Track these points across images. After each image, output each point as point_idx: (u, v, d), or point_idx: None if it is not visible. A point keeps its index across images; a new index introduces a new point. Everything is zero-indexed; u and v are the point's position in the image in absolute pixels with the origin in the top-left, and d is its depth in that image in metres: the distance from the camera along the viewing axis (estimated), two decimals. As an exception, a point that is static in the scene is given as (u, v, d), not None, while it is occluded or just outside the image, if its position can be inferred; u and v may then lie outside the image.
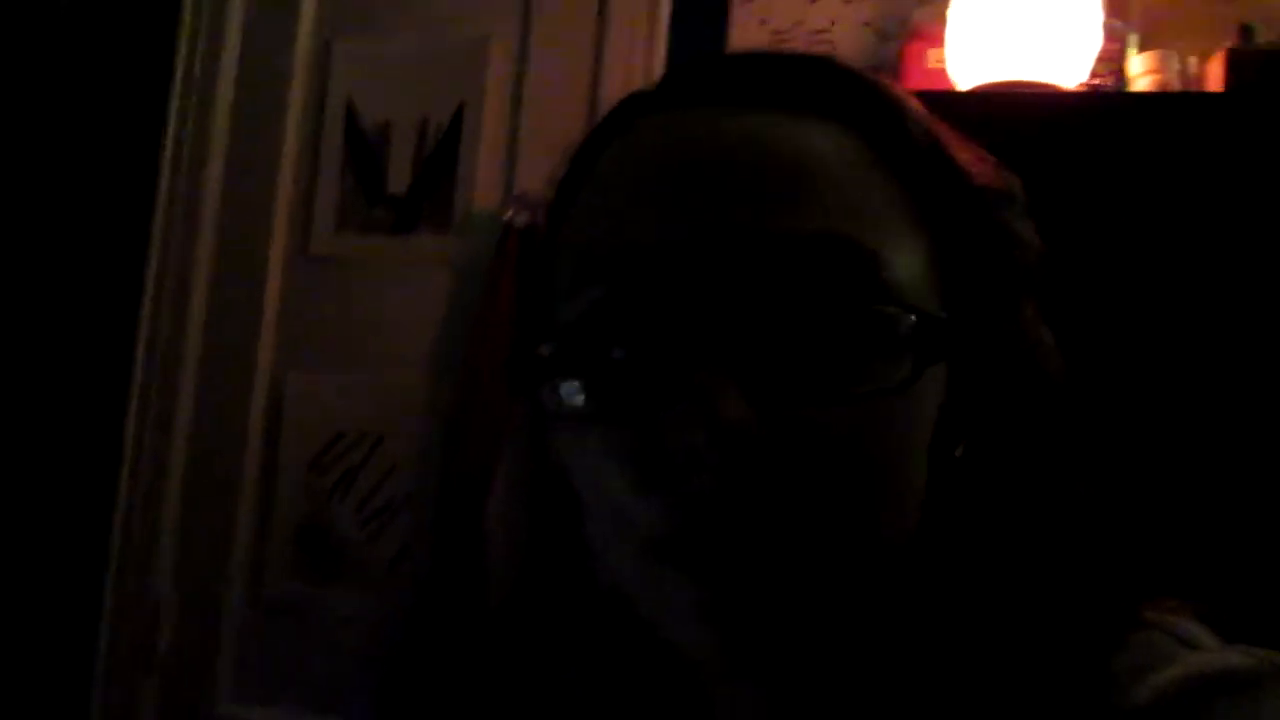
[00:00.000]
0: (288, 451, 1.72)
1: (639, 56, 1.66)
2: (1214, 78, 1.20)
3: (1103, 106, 1.17)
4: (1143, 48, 1.33)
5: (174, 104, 1.80)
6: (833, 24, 1.66)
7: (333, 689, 1.61)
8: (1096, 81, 1.33)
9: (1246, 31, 1.18)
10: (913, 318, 0.40)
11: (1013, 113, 1.13)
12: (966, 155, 0.46)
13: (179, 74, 1.81)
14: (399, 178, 1.75)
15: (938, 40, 1.38)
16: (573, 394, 0.43)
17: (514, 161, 1.68)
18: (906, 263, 0.42)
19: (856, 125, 0.44)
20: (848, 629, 0.42)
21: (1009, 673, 0.41)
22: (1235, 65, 1.15)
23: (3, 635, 1.76)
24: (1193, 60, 1.27)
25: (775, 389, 0.39)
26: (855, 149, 0.43)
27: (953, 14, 1.29)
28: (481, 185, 1.69)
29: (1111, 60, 1.38)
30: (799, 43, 1.66)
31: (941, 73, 1.36)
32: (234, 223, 1.79)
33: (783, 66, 0.45)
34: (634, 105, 0.48)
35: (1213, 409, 1.06)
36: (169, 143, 1.79)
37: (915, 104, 0.46)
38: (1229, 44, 1.19)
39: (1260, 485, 1.04)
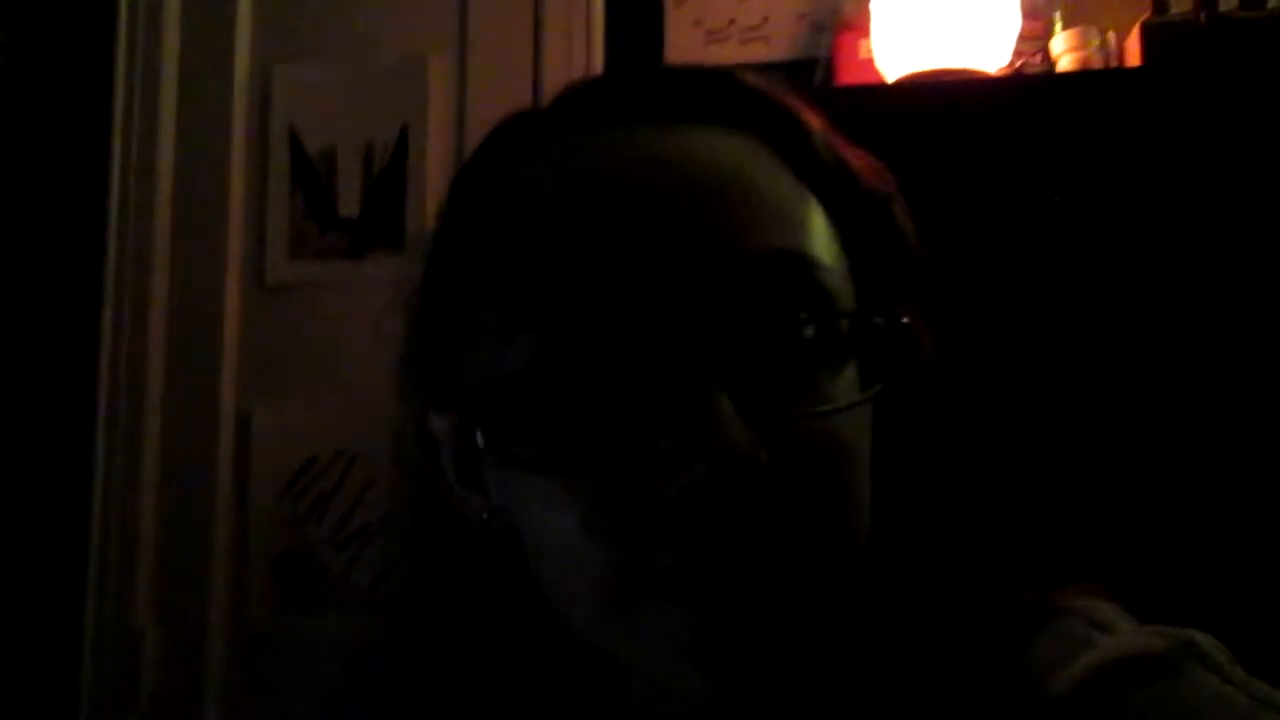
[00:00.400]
0: (259, 481, 1.72)
1: (577, 64, 1.68)
2: (1133, 52, 1.23)
3: (1023, 88, 1.20)
4: (1066, 25, 1.36)
5: (116, 144, 1.79)
6: (765, 19, 1.68)
7: (321, 716, 1.62)
8: (1021, 62, 1.36)
9: (1160, 4, 1.21)
10: (855, 325, 0.41)
11: (938, 101, 1.15)
12: (859, 160, 0.47)
13: (118, 112, 1.79)
14: (349, 202, 1.75)
15: (869, 30, 1.40)
16: (524, 447, 0.40)
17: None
18: (836, 267, 0.43)
19: (765, 134, 0.44)
20: (820, 641, 0.41)
21: (929, 669, 0.42)
22: (1151, 39, 1.18)
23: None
24: (1112, 36, 1.31)
25: (760, 404, 0.38)
26: (771, 161, 0.43)
27: (876, 5, 1.32)
28: (431, 204, 1.70)
29: (1038, 39, 1.41)
30: (733, 41, 1.68)
31: (872, 64, 1.39)
32: (187, 259, 1.78)
33: (689, 81, 0.45)
34: (531, 127, 0.46)
35: (1122, 387, 1.08)
36: (114, 184, 1.78)
37: (814, 114, 0.47)
38: (1145, 16, 1.23)
39: (1171, 465, 1.06)
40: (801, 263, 0.41)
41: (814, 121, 0.47)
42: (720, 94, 0.45)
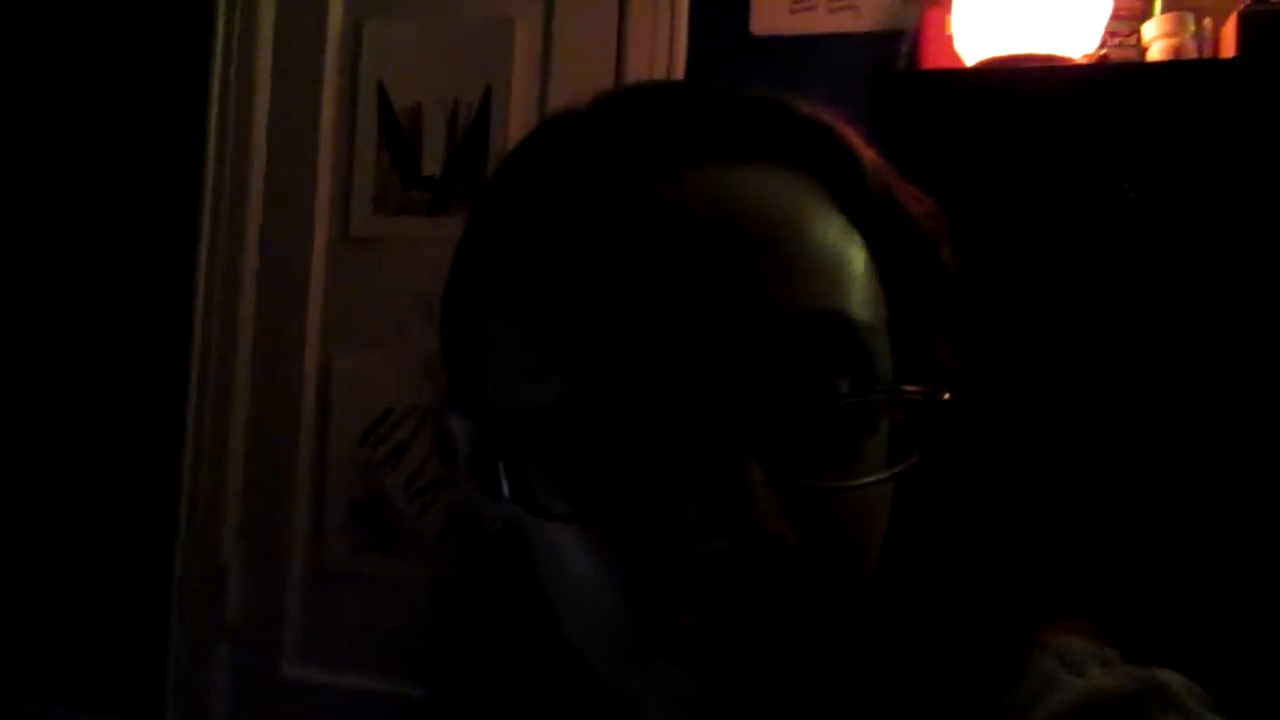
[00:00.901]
0: (339, 428, 1.79)
1: (662, 30, 1.68)
2: (1229, 41, 1.19)
3: (1109, 79, 1.16)
4: (1166, 7, 1.32)
5: (214, 98, 1.85)
6: (855, -11, 1.65)
7: (391, 654, 1.69)
8: (1110, 47, 1.32)
9: (1263, -10, 1.16)
10: (914, 398, 0.40)
11: (1018, 90, 1.13)
12: (910, 199, 0.46)
13: (217, 68, 1.86)
14: (433, 159, 1.79)
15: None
16: (550, 491, 0.40)
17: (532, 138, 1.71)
18: (874, 318, 0.41)
19: (817, 172, 0.42)
20: (820, 685, 0.42)
21: (910, 705, 0.43)
22: (1249, 28, 1.13)
23: (82, 604, 1.87)
24: (1209, 23, 1.26)
25: (792, 476, 0.37)
26: (821, 202, 0.42)
27: (961, -16, 1.29)
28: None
29: (1134, 18, 1.37)
30: (821, 10, 1.66)
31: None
32: (277, 210, 1.85)
33: (742, 114, 0.43)
34: (578, 146, 0.43)
35: (1190, 397, 1.05)
36: (211, 135, 1.85)
37: (868, 151, 0.45)
38: (1244, 4, 1.18)
39: (1166, 496, 1.03)
40: (841, 324, 0.39)
41: (868, 159, 0.45)
42: (774, 128, 0.43)
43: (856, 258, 0.41)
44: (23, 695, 1.89)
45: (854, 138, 0.45)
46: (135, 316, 1.89)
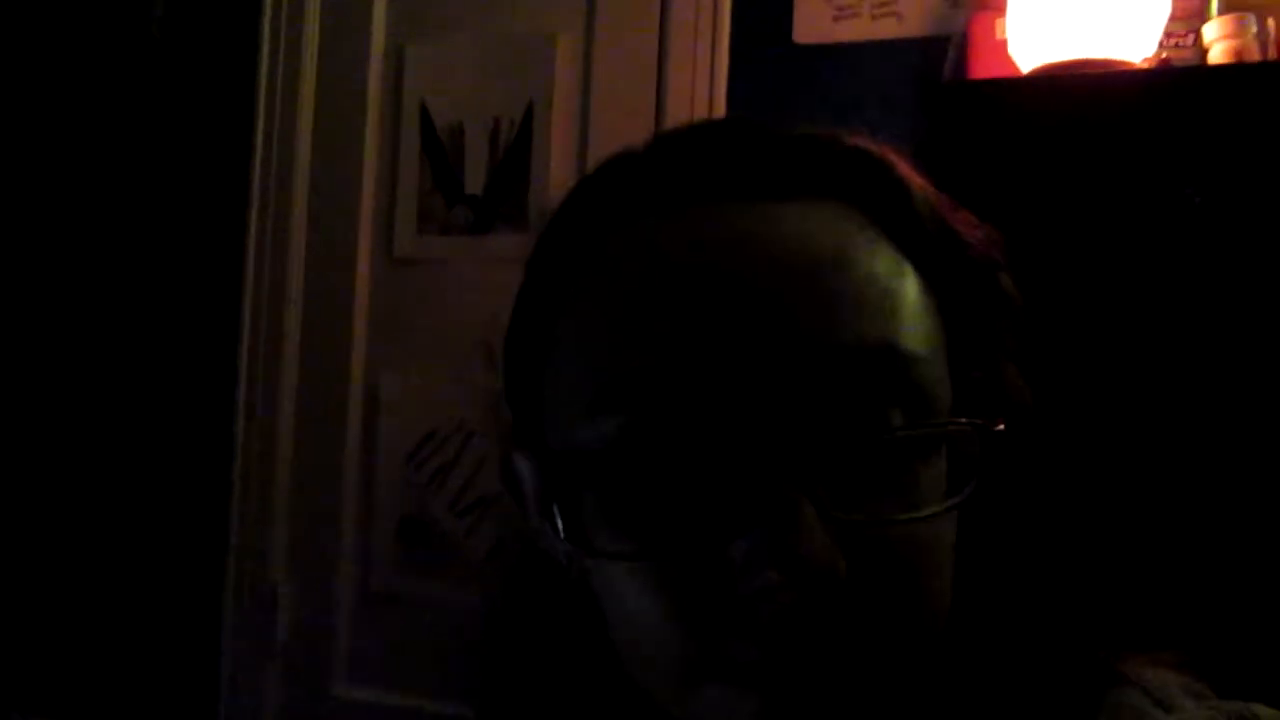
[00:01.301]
0: (385, 448, 1.79)
1: (703, 43, 1.67)
2: (1295, 40, 1.15)
3: (1170, 84, 1.12)
4: (1223, 8, 1.28)
5: (259, 120, 1.87)
6: (899, -5, 1.63)
7: (440, 673, 1.69)
8: (1173, 44, 1.28)
9: (1329, -12, 1.12)
10: (966, 429, 0.40)
11: (1076, 97, 1.10)
12: (964, 226, 0.46)
13: (261, 90, 1.87)
14: (475, 178, 1.79)
15: (1006, 9, 1.34)
16: (607, 528, 0.40)
17: (585, 156, 1.71)
18: (929, 352, 0.41)
19: (863, 204, 0.43)
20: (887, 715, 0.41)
21: None
22: (1316, 28, 1.10)
23: (136, 625, 1.89)
24: (1272, 23, 1.22)
25: (844, 510, 0.37)
26: (869, 235, 0.42)
27: (1014, -12, 1.26)
28: (555, 181, 1.72)
29: (1191, 19, 1.33)
30: (864, 17, 1.64)
31: (1008, 45, 1.33)
32: (322, 231, 1.86)
33: (785, 149, 0.43)
34: (631, 187, 0.44)
35: (1260, 412, 1.01)
36: (257, 156, 1.87)
37: (918, 179, 0.45)
38: (1311, 2, 1.14)
39: (1255, 523, 0.98)
40: (894, 357, 0.39)
41: (918, 187, 0.45)
42: (821, 164, 0.43)
43: (909, 288, 0.41)
44: (75, 716, 1.91)
45: (903, 167, 0.45)
46: (183, 337, 1.91)
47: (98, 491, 1.94)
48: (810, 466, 0.37)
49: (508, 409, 0.49)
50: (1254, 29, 1.19)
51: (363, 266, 1.83)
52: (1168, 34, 1.27)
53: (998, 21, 1.43)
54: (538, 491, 0.46)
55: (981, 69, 1.39)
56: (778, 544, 0.36)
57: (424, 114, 1.83)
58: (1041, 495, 0.46)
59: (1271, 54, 1.21)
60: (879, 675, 0.38)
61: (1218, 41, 1.20)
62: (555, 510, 0.40)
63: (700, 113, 1.64)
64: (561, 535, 0.40)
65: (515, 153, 1.77)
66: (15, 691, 1.93)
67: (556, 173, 1.72)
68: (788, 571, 0.35)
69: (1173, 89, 1.10)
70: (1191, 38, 1.31)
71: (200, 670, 1.84)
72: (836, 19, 1.66)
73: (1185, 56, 1.29)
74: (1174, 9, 1.26)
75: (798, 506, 0.36)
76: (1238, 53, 1.18)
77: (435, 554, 1.75)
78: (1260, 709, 0.40)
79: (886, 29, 1.63)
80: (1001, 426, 0.40)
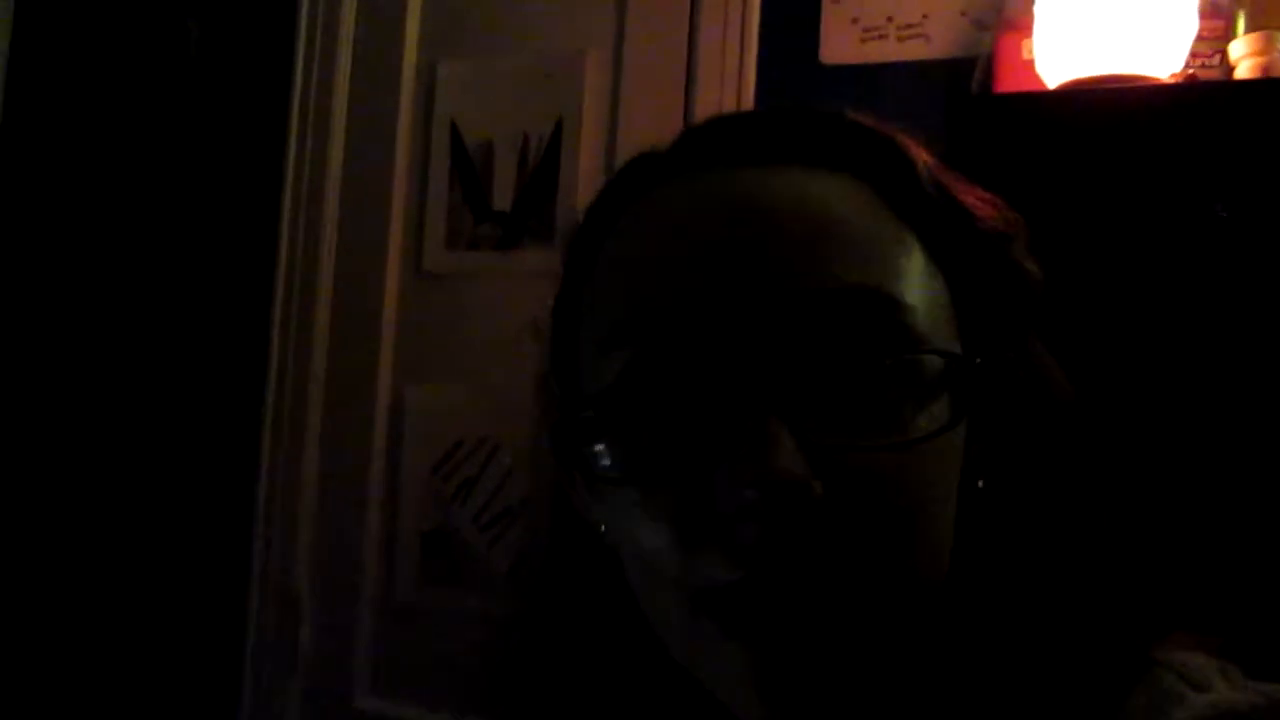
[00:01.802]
0: (410, 461, 1.80)
1: (731, 62, 1.68)
2: (1323, 58, 1.15)
3: (1198, 98, 1.13)
4: (1250, 27, 1.28)
5: (291, 138, 1.90)
6: (925, 16, 1.64)
7: (462, 686, 1.69)
8: (1200, 63, 1.29)
9: (1359, 7, 1.12)
10: (947, 362, 0.42)
11: (1104, 112, 1.10)
12: (973, 199, 0.48)
13: (295, 103, 1.90)
14: (503, 194, 1.80)
15: (1033, 31, 1.35)
16: (610, 459, 0.43)
17: (613, 173, 1.72)
18: (926, 306, 0.43)
19: (865, 174, 0.45)
20: (891, 677, 0.42)
21: (1022, 710, 0.42)
22: (1345, 45, 1.10)
23: (160, 633, 1.90)
24: (1301, 40, 1.22)
25: (825, 440, 0.39)
26: (870, 201, 0.44)
27: (1040, 6, 1.27)
28: (582, 198, 1.72)
29: (1216, 39, 1.33)
30: (891, 39, 1.65)
31: (1035, 64, 1.34)
32: (352, 244, 1.88)
33: (794, 124, 0.47)
34: (649, 166, 0.49)
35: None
36: (289, 171, 1.89)
37: (920, 150, 0.48)
38: (1340, 20, 1.14)
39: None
40: (879, 299, 0.41)
41: (922, 161, 0.47)
42: (822, 135, 0.46)
43: (908, 253, 0.44)
44: (101, 724, 1.92)
45: (909, 143, 0.48)
46: (212, 348, 1.94)
47: (124, 502, 1.95)
48: (788, 394, 0.39)
49: (554, 383, 0.52)
50: (1281, 46, 1.19)
51: (391, 280, 1.85)
52: (1193, 54, 1.27)
53: (1024, 43, 1.44)
54: (563, 440, 0.48)
55: (1008, 89, 1.40)
56: (753, 463, 0.38)
57: (454, 131, 1.85)
58: (1076, 477, 0.46)
59: (1300, 71, 1.21)
60: (868, 611, 0.40)
61: (1245, 59, 1.21)
62: (572, 448, 0.44)
63: (727, 131, 1.65)
64: (568, 463, 0.44)
65: (543, 169, 1.78)
66: (35, 702, 1.94)
67: (584, 189, 1.74)
68: (762, 488, 0.37)
69: (1200, 103, 1.10)
70: (1218, 57, 1.32)
71: (223, 682, 1.84)
72: (864, 40, 1.68)
73: (1212, 75, 1.29)
74: (1200, 29, 1.26)
75: (770, 429, 0.38)
76: (1265, 69, 1.18)
77: (458, 566, 1.75)
78: None
79: (914, 50, 1.64)
80: (980, 360, 0.42)
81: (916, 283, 0.43)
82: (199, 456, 1.92)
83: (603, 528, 0.49)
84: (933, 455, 0.41)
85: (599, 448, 0.44)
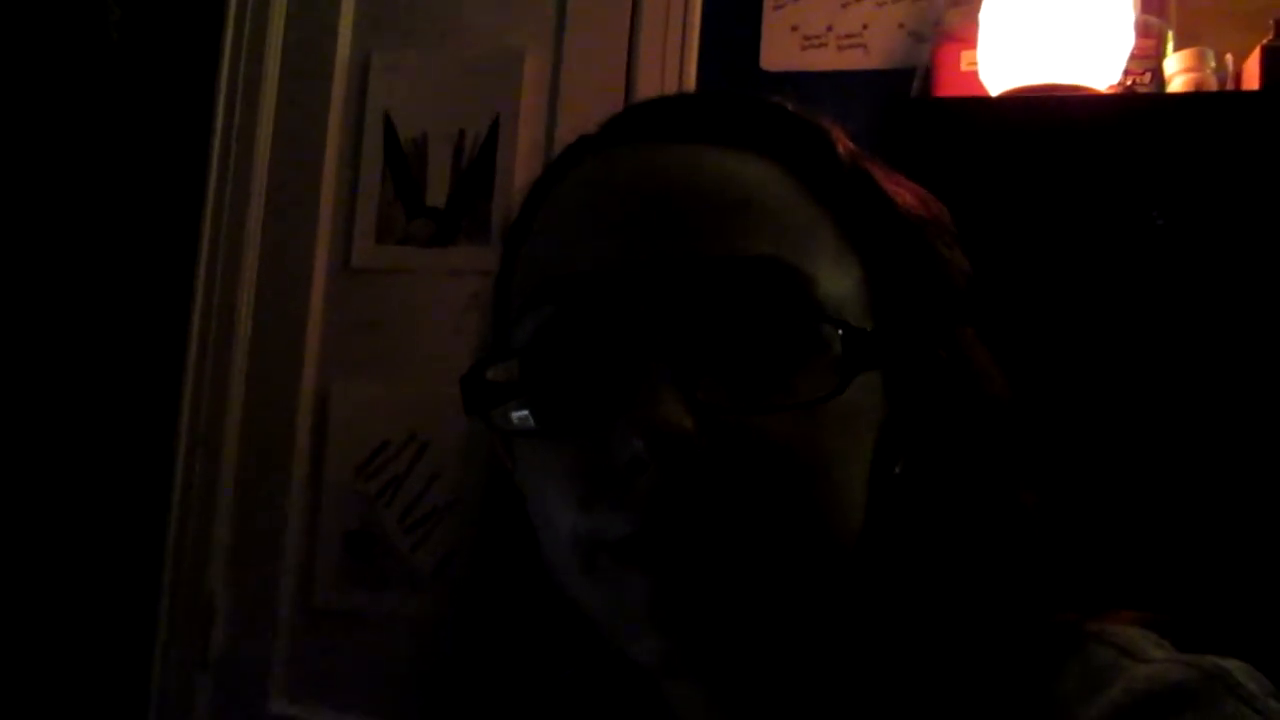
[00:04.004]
0: (334, 460, 1.75)
1: (671, 64, 1.68)
2: (1251, 75, 1.19)
3: (1137, 109, 1.16)
4: (1179, 45, 1.32)
5: (218, 126, 1.84)
6: (864, 27, 1.66)
7: (382, 691, 1.64)
8: (1131, 81, 1.32)
9: (1283, 27, 1.16)
10: (839, 331, 0.42)
11: (1044, 118, 1.12)
12: (893, 186, 0.49)
13: (222, 93, 1.85)
14: (437, 190, 1.77)
15: (972, 42, 1.37)
16: (522, 414, 0.45)
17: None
18: (834, 283, 0.44)
19: (783, 157, 0.47)
20: (792, 630, 0.43)
21: (948, 689, 0.42)
22: (1272, 62, 1.13)
23: (65, 633, 1.82)
24: (1230, 58, 1.26)
25: (712, 398, 0.41)
26: (780, 178, 0.46)
27: (984, 16, 1.29)
28: (518, 197, 1.71)
29: (1148, 58, 1.36)
30: (830, 48, 1.67)
31: (975, 75, 1.36)
32: (278, 237, 1.83)
33: (713, 105, 0.49)
34: (578, 148, 0.51)
35: (1214, 423, 1.04)
36: (214, 160, 1.83)
37: (842, 137, 0.49)
38: (1266, 39, 1.18)
39: (1219, 491, 1.03)
40: (781, 269, 0.43)
41: (843, 145, 0.48)
42: (743, 116, 0.48)
43: (817, 230, 0.45)
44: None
45: (832, 128, 0.49)
46: (129, 341, 1.86)
47: (30, 496, 1.86)
48: (683, 354, 0.41)
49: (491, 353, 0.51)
50: (1213, 63, 1.23)
51: (319, 275, 1.80)
52: (1126, 71, 1.31)
53: (963, 53, 1.46)
54: (474, 391, 0.49)
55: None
56: (641, 415, 0.40)
57: (388, 124, 1.81)
58: (997, 464, 0.47)
59: (1230, 86, 1.25)
60: (759, 562, 0.41)
61: (1178, 74, 1.24)
62: (483, 399, 0.45)
63: (667, 132, 1.64)
64: (478, 414, 0.45)
65: (479, 166, 1.76)
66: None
67: (520, 187, 1.71)
68: (648, 438, 0.39)
69: (1138, 115, 1.13)
70: (1148, 75, 1.35)
71: (131, 684, 1.76)
72: (804, 48, 1.69)
73: (1146, 90, 1.32)
74: (1133, 48, 1.29)
75: (657, 384, 0.40)
76: (1197, 85, 1.22)
77: (381, 568, 1.70)
78: (1232, 663, 0.41)
79: (853, 60, 1.66)
80: (869, 327, 0.44)
81: (826, 262, 0.44)
82: (112, 451, 1.84)
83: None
84: (829, 423, 0.42)
85: (511, 402, 0.45)
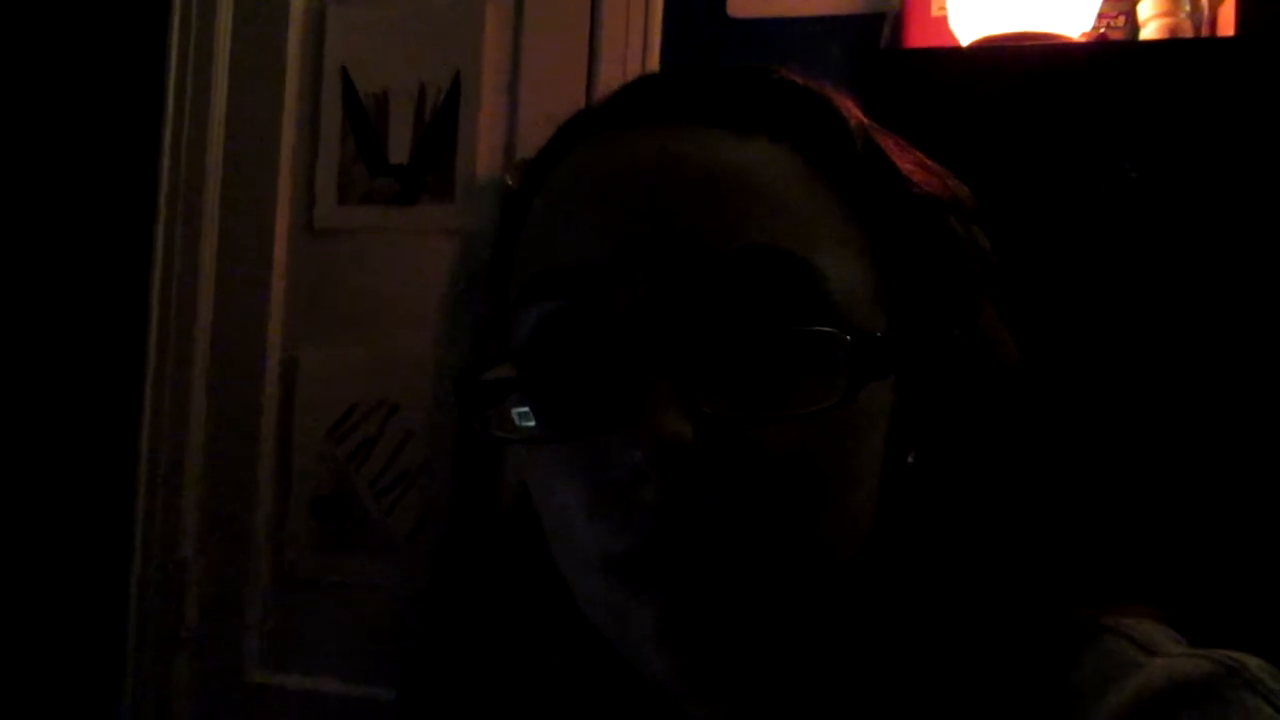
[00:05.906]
0: (303, 424, 1.73)
1: (637, 10, 1.63)
2: (1226, 20, 1.17)
3: (1108, 56, 1.13)
4: (1155, -12, 1.29)
5: (170, 84, 1.79)
6: (833, -29, 1.61)
7: (358, 657, 1.64)
8: (1105, 24, 1.29)
9: (1259, -30, 1.14)
10: (848, 337, 0.40)
11: (1016, 68, 1.10)
12: (909, 165, 0.46)
13: (174, 45, 1.79)
14: (400, 147, 1.73)
15: (941, -13, 1.34)
16: (524, 417, 0.43)
17: (514, 127, 1.67)
18: (845, 273, 0.42)
19: (793, 138, 0.44)
20: (802, 642, 0.42)
21: (963, 685, 0.41)
22: (1247, 8, 1.11)
23: (37, 610, 1.80)
24: (1205, 2, 1.24)
25: (715, 406, 0.39)
26: (790, 161, 0.43)
27: (954, -38, 1.26)
28: (483, 152, 1.67)
29: (1121, 1, 1.34)
30: (800, -4, 1.62)
31: (945, 21, 1.33)
32: (237, 199, 1.78)
33: (719, 83, 0.45)
34: (579, 124, 0.48)
35: (1197, 387, 1.03)
36: (168, 122, 1.78)
37: (856, 114, 0.46)
38: (1242, -17, 1.15)
39: (1232, 487, 1.01)
40: (788, 261, 0.40)
41: (855, 122, 0.46)
42: (750, 94, 0.45)
43: (828, 216, 0.43)
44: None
45: (843, 103, 0.46)
46: (88, 310, 1.82)
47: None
48: (684, 359, 0.39)
49: (484, 340, 0.52)
50: (1187, 7, 1.20)
51: (280, 237, 1.76)
52: (1101, 14, 1.28)
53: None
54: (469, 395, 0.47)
55: (918, 45, 1.39)
56: (640, 425, 0.38)
57: (346, 79, 1.76)
58: (1012, 450, 0.45)
59: (1204, 32, 1.23)
60: (766, 577, 0.40)
61: (1152, 19, 1.22)
62: (478, 402, 0.43)
63: (633, 84, 1.61)
64: (477, 418, 0.43)
65: (442, 122, 1.71)
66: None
67: (485, 144, 1.68)
68: (647, 449, 0.37)
69: (1110, 63, 1.11)
70: (1123, 19, 1.33)
71: (105, 657, 1.75)
72: (772, -4, 1.65)
73: (1120, 36, 1.30)
74: (1105, -9, 1.27)
75: (655, 393, 0.38)
76: (1172, 30, 1.19)
77: (353, 533, 1.69)
78: (1248, 658, 0.40)
79: (823, 4, 1.61)
80: (881, 320, 0.42)
81: (837, 249, 0.42)
82: (77, 421, 1.81)
83: (518, 483, 0.49)
84: (837, 429, 0.40)
85: (511, 397, 0.44)
